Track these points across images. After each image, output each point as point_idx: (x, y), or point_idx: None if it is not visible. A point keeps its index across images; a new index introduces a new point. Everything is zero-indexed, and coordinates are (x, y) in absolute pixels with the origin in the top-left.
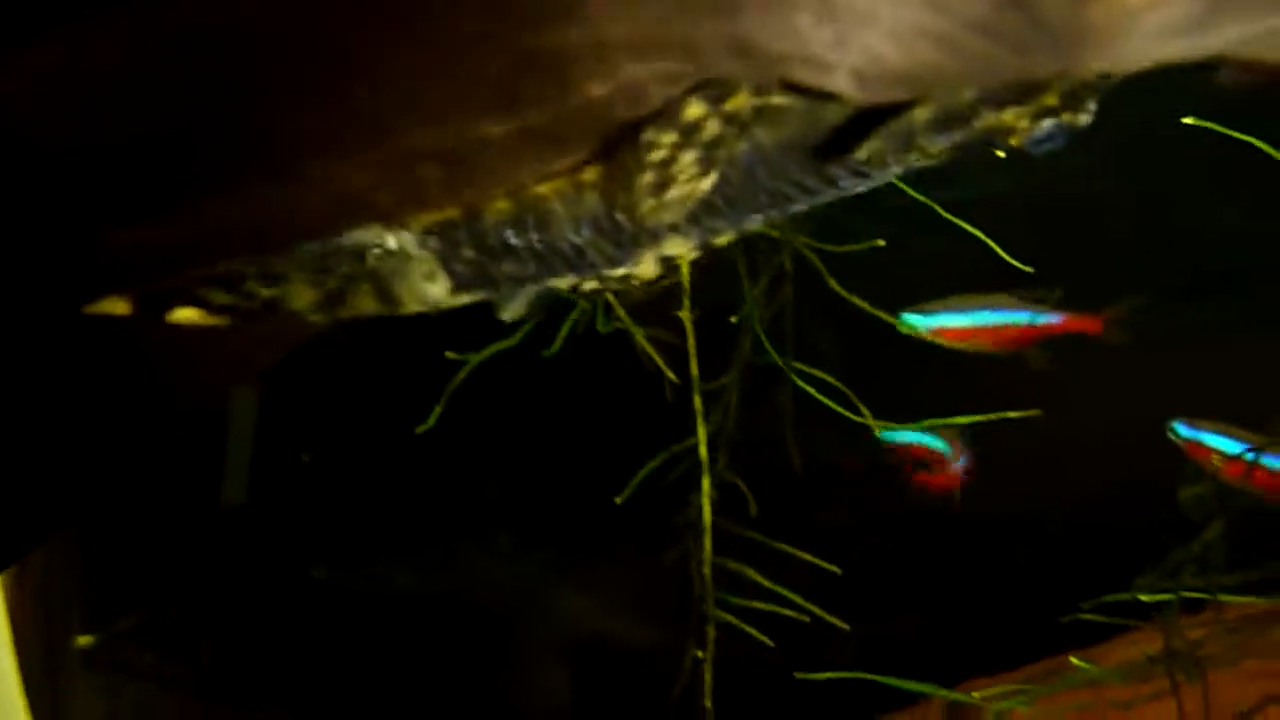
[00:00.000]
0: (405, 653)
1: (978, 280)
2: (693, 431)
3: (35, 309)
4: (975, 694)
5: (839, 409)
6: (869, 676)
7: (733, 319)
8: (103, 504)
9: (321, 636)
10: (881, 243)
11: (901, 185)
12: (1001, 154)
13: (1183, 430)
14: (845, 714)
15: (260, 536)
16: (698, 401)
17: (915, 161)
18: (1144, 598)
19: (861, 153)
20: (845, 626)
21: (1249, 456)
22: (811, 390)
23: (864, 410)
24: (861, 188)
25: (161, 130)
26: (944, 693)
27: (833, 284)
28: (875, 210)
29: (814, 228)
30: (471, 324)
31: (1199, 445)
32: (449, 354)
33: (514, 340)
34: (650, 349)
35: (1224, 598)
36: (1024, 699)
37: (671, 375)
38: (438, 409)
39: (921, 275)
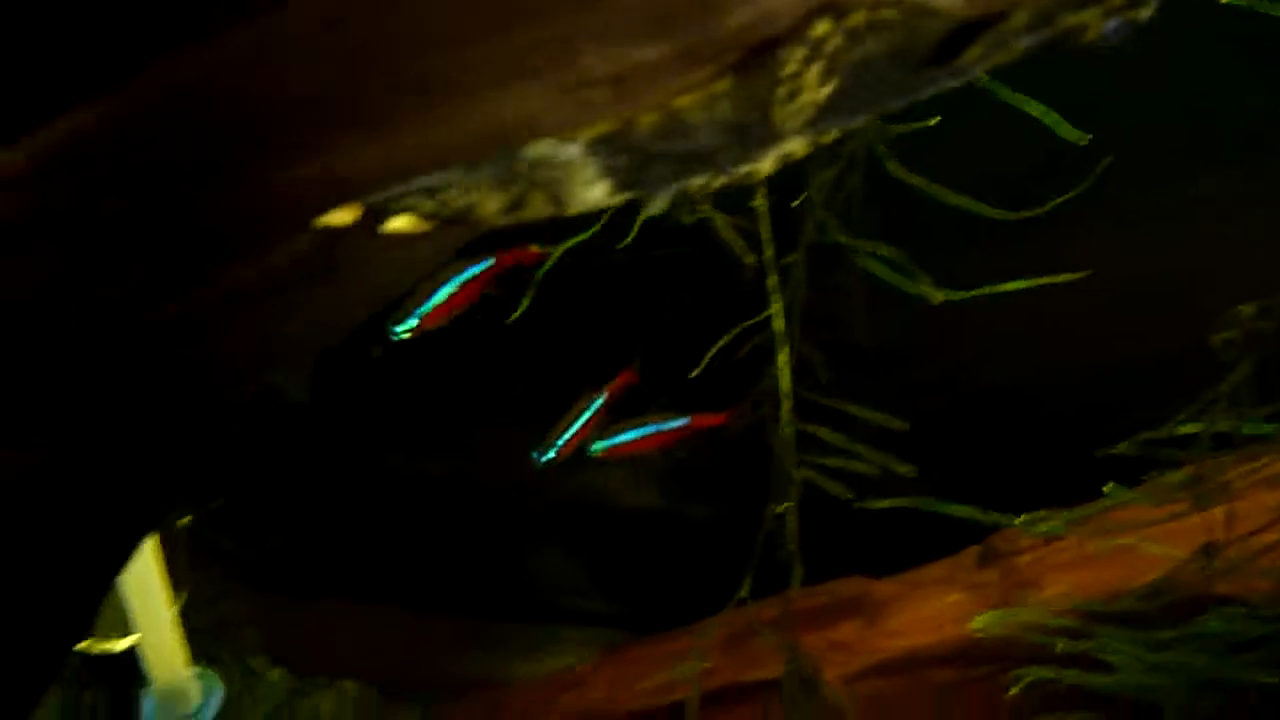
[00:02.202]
0: (470, 538)
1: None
2: (758, 313)
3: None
4: (1017, 520)
5: (905, 283)
6: (920, 504)
7: (793, 204)
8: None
9: (386, 526)
10: (934, 121)
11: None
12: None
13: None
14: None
15: (326, 431)
16: (773, 280)
17: (1001, 59)
18: (1182, 430)
19: (969, 57)
20: (912, 471)
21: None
22: (876, 266)
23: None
24: (955, 84)
25: (385, 62)
26: (994, 516)
27: (892, 167)
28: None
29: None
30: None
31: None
32: (533, 247)
33: (592, 230)
34: (730, 234)
35: (1248, 429)
36: (1058, 522)
37: (749, 258)
38: (525, 301)
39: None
